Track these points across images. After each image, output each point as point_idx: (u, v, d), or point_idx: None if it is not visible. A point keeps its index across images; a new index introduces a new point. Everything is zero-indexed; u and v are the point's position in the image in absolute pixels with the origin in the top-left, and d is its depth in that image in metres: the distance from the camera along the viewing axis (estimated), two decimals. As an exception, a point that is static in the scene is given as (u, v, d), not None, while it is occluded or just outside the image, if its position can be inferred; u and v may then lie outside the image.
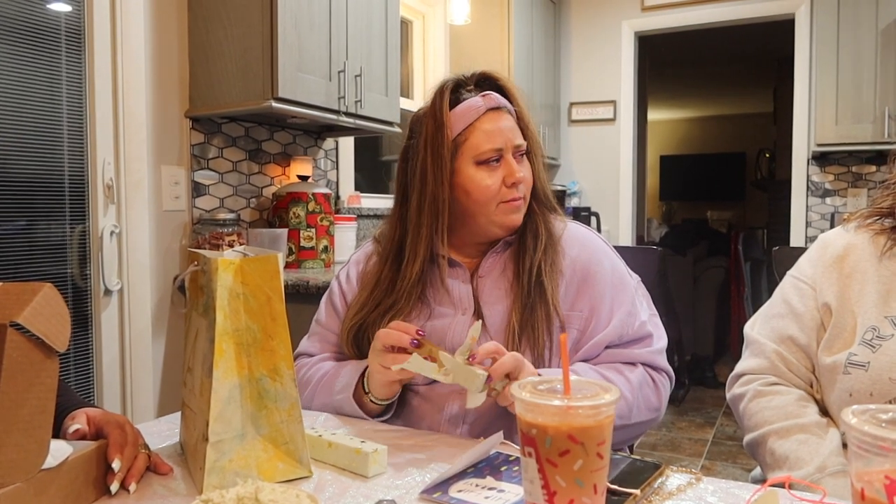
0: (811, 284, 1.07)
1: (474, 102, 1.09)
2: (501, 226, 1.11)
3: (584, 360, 1.08)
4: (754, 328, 1.12)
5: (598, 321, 1.08)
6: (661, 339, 1.13)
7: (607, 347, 1.09)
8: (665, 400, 1.12)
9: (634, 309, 1.11)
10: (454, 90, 1.12)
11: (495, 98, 1.10)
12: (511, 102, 1.13)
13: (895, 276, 1.00)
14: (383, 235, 1.20)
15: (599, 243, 1.16)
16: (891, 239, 1.03)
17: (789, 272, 1.13)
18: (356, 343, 1.12)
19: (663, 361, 1.12)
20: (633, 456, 0.83)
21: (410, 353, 0.93)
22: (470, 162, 1.09)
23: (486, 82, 1.14)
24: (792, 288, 1.10)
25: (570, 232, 1.15)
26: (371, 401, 1.02)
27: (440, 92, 1.11)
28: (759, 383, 1.06)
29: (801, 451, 0.95)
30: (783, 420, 0.99)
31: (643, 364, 1.10)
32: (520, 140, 1.11)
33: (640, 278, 1.21)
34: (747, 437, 1.04)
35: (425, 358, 0.92)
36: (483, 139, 1.09)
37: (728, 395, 1.11)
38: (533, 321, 1.04)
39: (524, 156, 1.12)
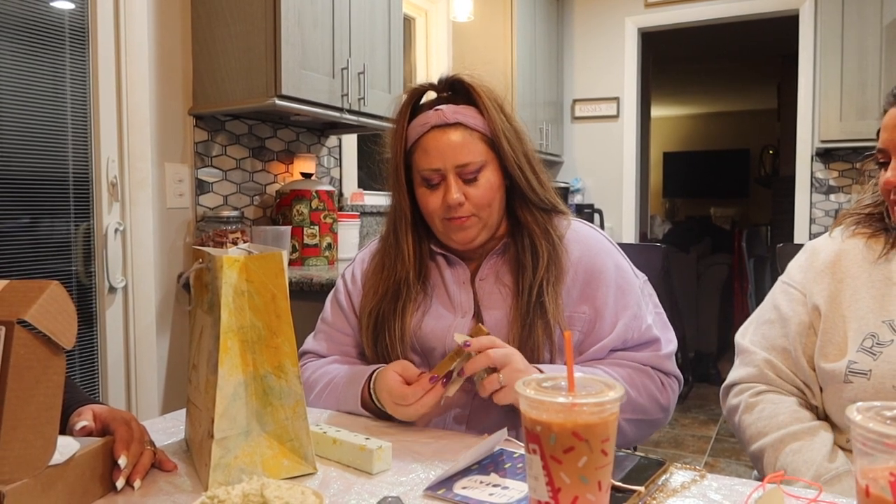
0: (801, 290, 1.07)
1: (424, 118, 1.08)
2: (451, 241, 1.11)
3: (588, 362, 1.07)
4: (745, 337, 1.12)
5: (603, 325, 1.07)
6: (669, 343, 1.11)
7: (612, 351, 1.08)
8: (673, 401, 1.11)
9: (640, 311, 1.09)
10: (420, 97, 1.13)
11: (445, 113, 1.07)
12: (482, 111, 1.08)
13: (888, 281, 0.99)
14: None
15: (604, 243, 1.14)
16: (888, 243, 1.01)
17: (780, 278, 1.13)
18: (375, 334, 1.12)
19: (671, 366, 1.11)
20: (637, 453, 0.84)
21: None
22: (418, 177, 1.10)
23: (457, 88, 1.11)
24: (782, 293, 1.10)
25: (573, 231, 1.13)
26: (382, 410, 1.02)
27: (406, 100, 1.12)
28: (749, 394, 1.05)
29: (796, 462, 0.95)
30: (775, 431, 0.99)
31: (650, 367, 1.09)
32: (466, 159, 1.06)
33: (646, 277, 1.19)
34: (748, 451, 1.04)
35: (432, 377, 0.95)
36: (423, 158, 1.08)
37: (723, 408, 1.11)
38: (532, 342, 1.03)
39: (480, 171, 1.07)
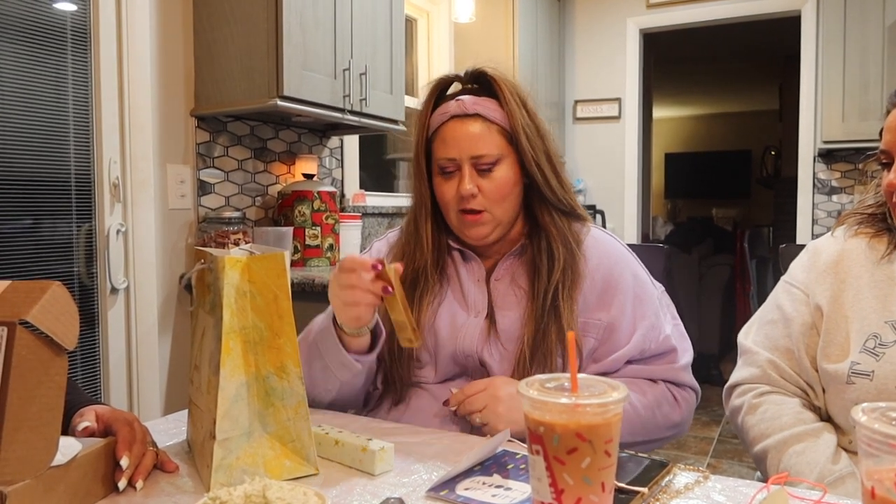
0: (803, 290, 1.06)
1: (445, 107, 1.08)
2: (465, 236, 1.10)
3: (604, 374, 1.05)
4: (748, 337, 1.11)
5: (620, 335, 1.06)
6: (685, 353, 1.11)
7: (629, 363, 1.07)
8: (688, 415, 1.10)
9: (658, 322, 1.08)
10: (446, 88, 1.12)
11: (465, 104, 1.06)
12: (502, 104, 1.07)
13: (891, 281, 0.99)
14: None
15: (623, 252, 1.13)
16: (891, 243, 1.01)
17: (782, 278, 1.13)
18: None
19: (688, 377, 1.10)
20: (640, 454, 0.83)
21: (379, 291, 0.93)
22: (435, 166, 1.10)
23: (481, 80, 1.11)
24: (784, 293, 1.09)
25: (592, 238, 1.12)
26: (346, 333, 0.99)
27: (431, 90, 1.12)
28: (752, 395, 1.05)
29: (799, 464, 0.95)
30: (778, 432, 0.99)
31: (665, 381, 1.08)
32: (482, 150, 1.05)
33: (664, 288, 1.17)
34: (751, 452, 1.04)
35: (384, 288, 0.92)
36: (440, 147, 1.08)
37: (726, 409, 1.11)
38: (545, 347, 1.02)
39: (496, 164, 1.06)
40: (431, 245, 1.12)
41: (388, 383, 1.11)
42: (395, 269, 0.92)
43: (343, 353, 1.00)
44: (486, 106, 1.07)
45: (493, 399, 0.97)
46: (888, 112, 0.98)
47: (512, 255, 1.12)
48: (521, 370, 1.02)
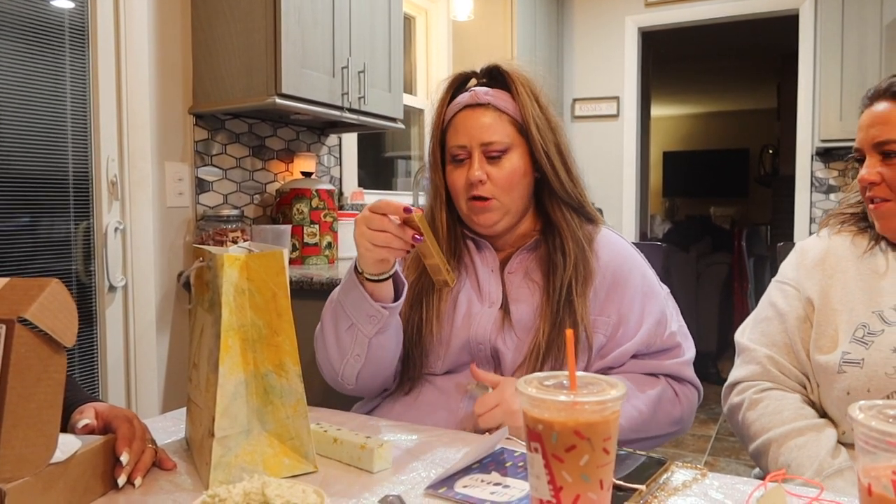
0: (794, 285, 1.10)
1: (461, 98, 1.12)
2: (474, 224, 1.12)
3: (609, 369, 1.08)
4: (744, 335, 1.14)
5: (627, 330, 1.08)
6: (689, 350, 1.13)
7: (634, 357, 1.09)
8: (689, 412, 1.11)
9: (664, 318, 1.10)
10: (462, 83, 1.15)
11: (478, 94, 1.10)
12: (514, 97, 1.10)
13: (875, 273, 1.03)
14: None
15: (631, 252, 1.15)
16: (872, 239, 1.06)
17: (773, 279, 1.16)
18: (411, 305, 1.11)
19: (690, 373, 1.12)
20: (638, 452, 0.84)
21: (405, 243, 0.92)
22: (448, 155, 1.12)
23: (495, 75, 1.14)
24: (776, 291, 1.12)
25: (603, 237, 1.15)
26: (368, 279, 0.98)
27: (448, 85, 1.15)
28: (752, 391, 1.06)
29: (800, 457, 0.96)
30: (779, 426, 1.00)
31: (668, 376, 1.10)
32: (492, 138, 1.07)
33: (669, 290, 1.19)
34: (750, 448, 1.05)
35: (416, 237, 0.92)
36: (453, 136, 1.11)
37: (724, 407, 1.12)
38: (560, 341, 1.03)
39: (505, 153, 1.08)
40: (447, 233, 1.14)
41: (401, 371, 1.12)
42: (420, 216, 0.91)
43: (369, 301, 0.98)
44: (498, 97, 1.10)
45: (510, 415, 0.97)
46: (861, 112, 1.03)
47: (525, 250, 1.13)
48: (533, 361, 1.04)
